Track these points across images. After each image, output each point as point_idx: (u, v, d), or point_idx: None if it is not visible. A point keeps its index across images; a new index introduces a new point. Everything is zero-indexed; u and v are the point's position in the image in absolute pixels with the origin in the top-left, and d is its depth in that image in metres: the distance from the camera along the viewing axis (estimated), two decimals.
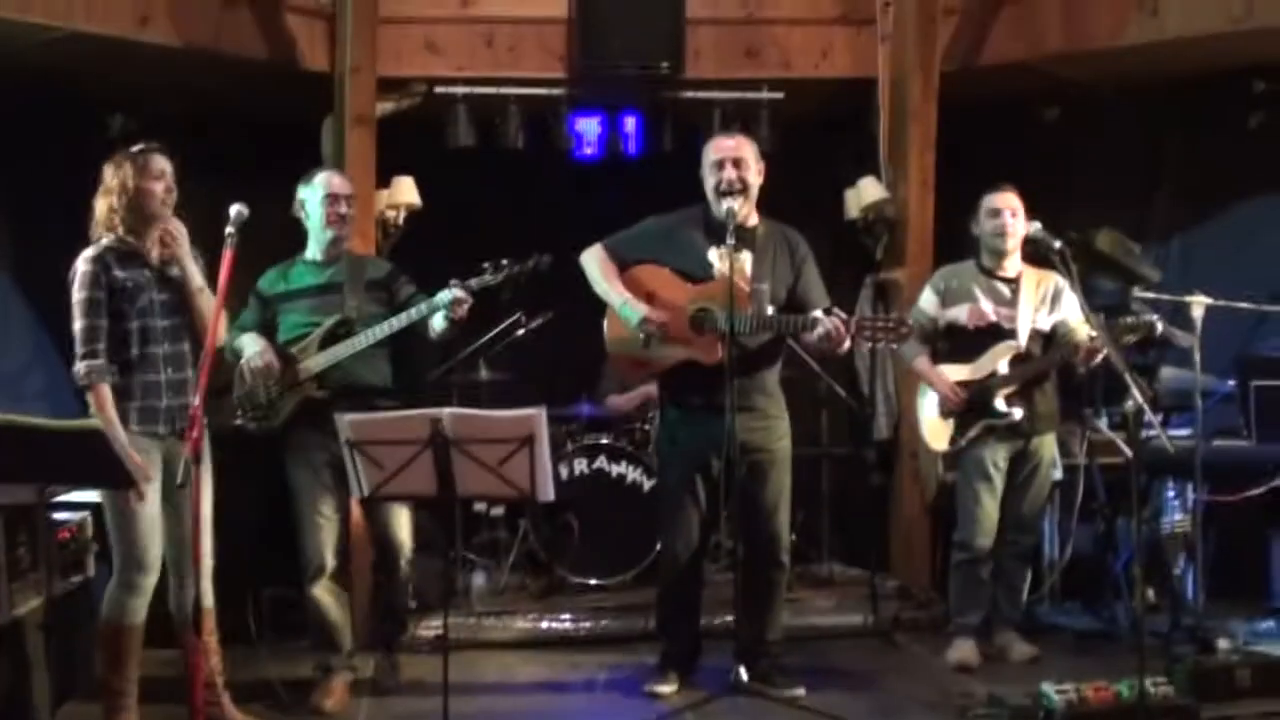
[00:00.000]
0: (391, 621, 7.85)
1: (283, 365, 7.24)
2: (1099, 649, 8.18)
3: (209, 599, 6.65)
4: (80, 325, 6.30)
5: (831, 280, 7.80)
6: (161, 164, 6.45)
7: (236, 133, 9.49)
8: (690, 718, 6.99)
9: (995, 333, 7.79)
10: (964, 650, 7.90)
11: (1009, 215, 7.74)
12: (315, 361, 7.23)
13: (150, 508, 6.24)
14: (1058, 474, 8.21)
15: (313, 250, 7.52)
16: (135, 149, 6.47)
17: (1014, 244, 7.74)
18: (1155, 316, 7.42)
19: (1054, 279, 7.80)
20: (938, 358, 8.03)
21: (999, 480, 7.85)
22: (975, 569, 7.94)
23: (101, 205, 6.44)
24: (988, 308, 7.81)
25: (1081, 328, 7.60)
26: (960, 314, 7.89)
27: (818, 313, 7.05)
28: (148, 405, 6.37)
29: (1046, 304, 7.82)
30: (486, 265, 7.26)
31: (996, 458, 7.82)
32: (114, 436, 6.07)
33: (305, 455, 7.26)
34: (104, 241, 6.40)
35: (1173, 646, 7.45)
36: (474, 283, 7.21)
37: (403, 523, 7.51)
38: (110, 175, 6.43)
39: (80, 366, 6.26)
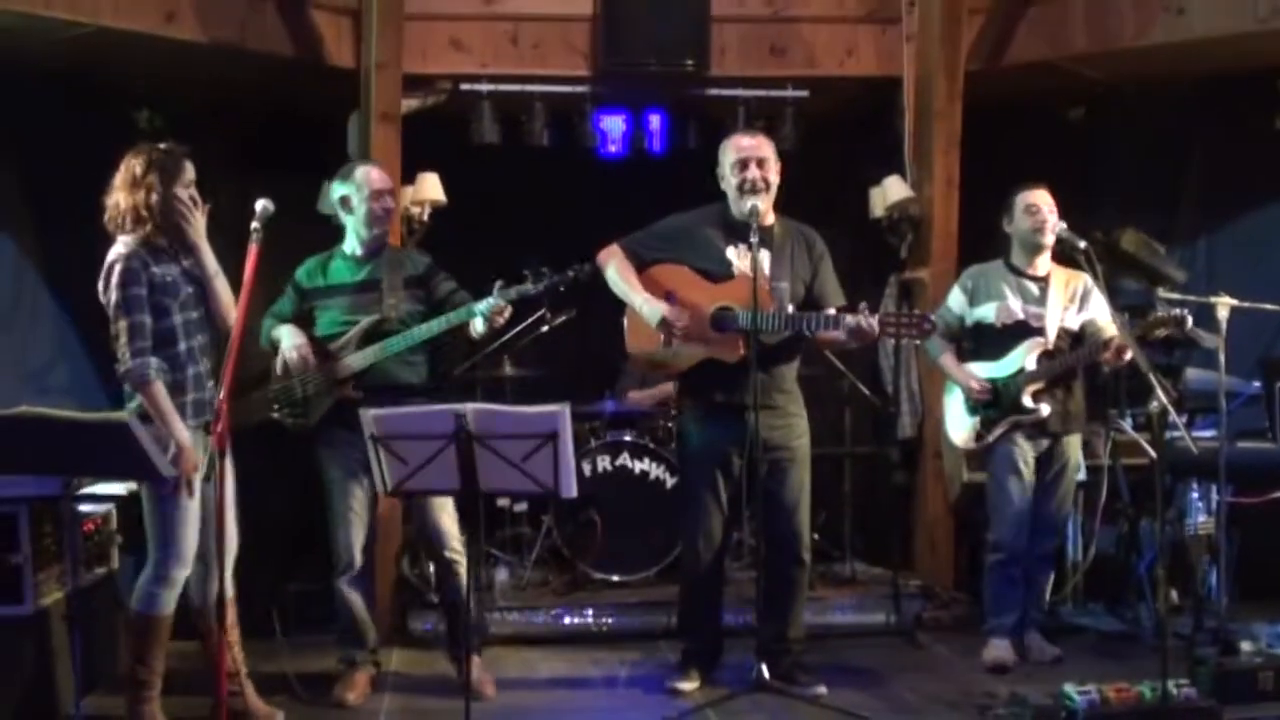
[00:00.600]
0: (459, 625, 7.48)
1: (320, 362, 7.27)
2: (1122, 650, 8.17)
3: (230, 590, 6.70)
4: (125, 324, 6.24)
5: (855, 280, 7.81)
6: (191, 173, 6.46)
7: (262, 128, 9.51)
8: (711, 715, 6.98)
9: (1023, 331, 7.76)
10: (999, 651, 7.86)
11: (1048, 211, 7.70)
12: (353, 361, 7.25)
13: (193, 502, 6.25)
14: (1081, 475, 8.19)
15: (352, 245, 7.50)
16: (165, 148, 6.45)
17: (1051, 239, 7.62)
18: (1186, 311, 7.35)
19: (1083, 278, 7.75)
20: (964, 356, 8.01)
21: (1029, 478, 7.82)
22: (1009, 569, 7.90)
23: (127, 201, 6.37)
24: (1016, 306, 7.78)
25: (1110, 328, 7.55)
26: (989, 312, 7.86)
27: (832, 311, 7.09)
28: (198, 398, 6.39)
29: (1075, 303, 7.79)
30: (527, 273, 7.23)
31: (1026, 455, 7.79)
32: (175, 431, 6.15)
33: (338, 451, 7.27)
34: (130, 238, 6.37)
35: (1196, 648, 7.40)
36: (514, 291, 7.19)
37: (446, 510, 7.44)
38: (141, 171, 6.36)
39: (133, 364, 6.21)
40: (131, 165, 6.41)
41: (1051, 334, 7.72)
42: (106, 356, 8.62)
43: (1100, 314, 7.71)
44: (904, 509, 9.85)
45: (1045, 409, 7.67)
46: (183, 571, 6.34)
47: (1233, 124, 9.71)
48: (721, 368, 7.23)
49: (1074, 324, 7.80)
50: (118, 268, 6.28)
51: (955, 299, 8.04)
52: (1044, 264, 7.84)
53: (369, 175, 7.47)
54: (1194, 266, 9.46)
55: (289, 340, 7.29)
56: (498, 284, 7.15)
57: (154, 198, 6.32)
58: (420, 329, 7.25)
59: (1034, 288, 7.82)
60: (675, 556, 8.71)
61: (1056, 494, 7.91)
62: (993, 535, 7.95)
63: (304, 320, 7.46)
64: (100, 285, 6.37)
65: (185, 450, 6.11)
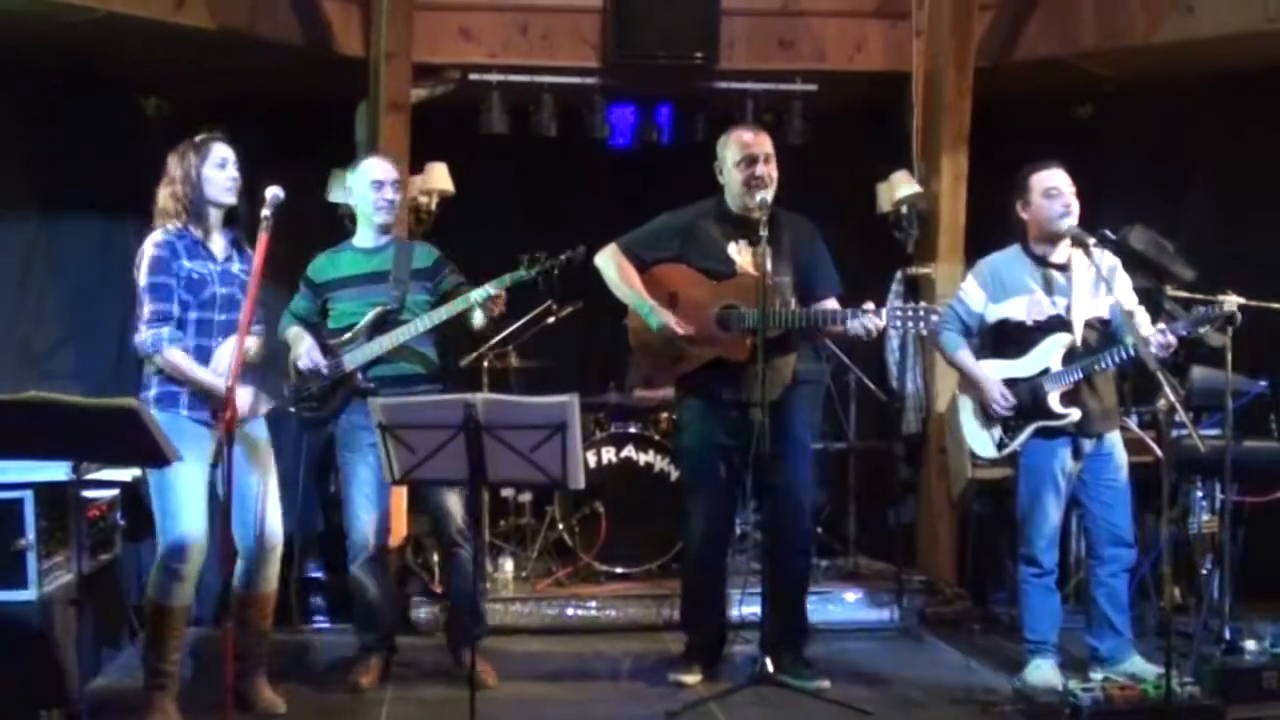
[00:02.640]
0: (471, 617, 7.48)
1: (330, 359, 7.34)
2: None
3: (273, 583, 6.79)
4: (148, 309, 6.34)
5: (862, 274, 7.80)
6: (223, 152, 6.49)
7: (271, 116, 9.50)
8: (714, 708, 6.97)
9: (1054, 325, 7.30)
10: (1045, 672, 7.31)
11: (1069, 196, 7.26)
12: (360, 354, 7.31)
13: (190, 492, 6.25)
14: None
15: (362, 236, 7.58)
16: (199, 138, 6.50)
17: (1072, 224, 7.23)
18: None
19: (1107, 257, 7.41)
20: (979, 353, 7.60)
21: (1065, 487, 7.36)
22: (1045, 583, 7.43)
23: (164, 194, 6.46)
24: (1046, 301, 7.32)
25: (1142, 316, 7.30)
26: (1017, 309, 7.39)
27: (834, 302, 7.16)
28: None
29: (1101, 285, 7.29)
30: (522, 259, 7.28)
31: (1064, 463, 7.34)
32: (206, 382, 6.25)
33: (354, 438, 7.33)
34: (171, 226, 6.43)
35: (1200, 647, 7.41)
36: (508, 278, 7.25)
37: (455, 493, 7.51)
38: (174, 165, 6.46)
39: (148, 335, 6.30)
40: (169, 162, 6.49)
41: (1078, 329, 7.28)
42: (113, 341, 8.66)
43: (1126, 296, 7.36)
44: (908, 504, 9.85)
45: (1076, 413, 7.22)
46: (185, 564, 6.32)
47: (1242, 122, 9.71)
48: (724, 364, 7.26)
49: (1102, 310, 7.33)
50: (148, 255, 6.38)
51: (973, 295, 7.54)
52: (1064, 249, 7.36)
53: (371, 166, 7.54)
54: (1201, 264, 9.43)
55: (297, 346, 7.38)
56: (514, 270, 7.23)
57: (186, 186, 6.40)
58: (421, 320, 7.29)
59: (1059, 277, 7.35)
60: (679, 549, 8.71)
61: (1114, 499, 7.37)
62: (1025, 549, 7.42)
63: (319, 315, 7.55)
64: (134, 269, 6.44)
65: (224, 398, 6.09)
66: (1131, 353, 7.06)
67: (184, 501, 6.28)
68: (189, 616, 6.56)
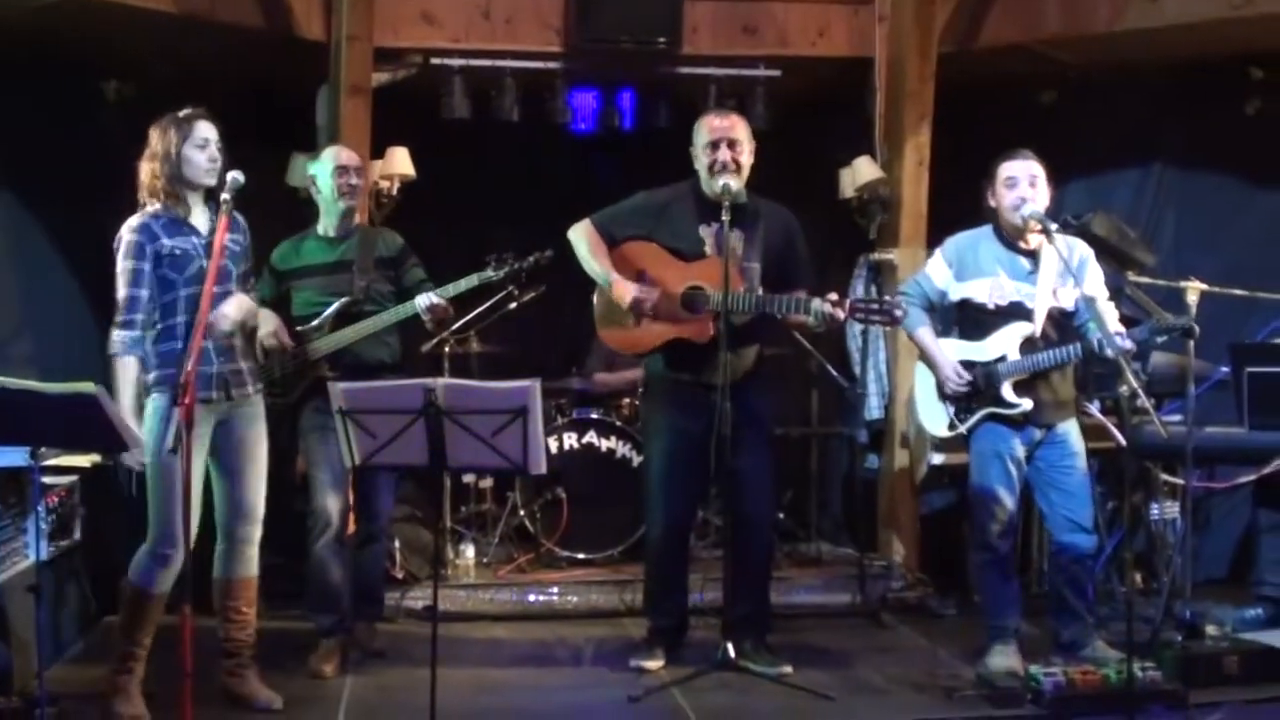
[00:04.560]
0: (369, 600, 7.89)
1: (295, 344, 7.40)
2: None
3: (254, 566, 6.75)
4: (122, 295, 6.29)
5: (826, 260, 7.80)
6: (206, 131, 6.40)
7: (232, 100, 9.42)
8: (676, 693, 6.97)
9: (1015, 312, 7.28)
10: (1006, 656, 7.29)
11: (1027, 185, 7.22)
12: (325, 343, 7.39)
13: (176, 480, 6.20)
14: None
15: (325, 225, 7.63)
16: (181, 114, 6.43)
17: (1027, 216, 7.15)
18: (1192, 322, 7.18)
19: (1079, 247, 7.37)
20: (942, 331, 7.59)
21: (1016, 473, 7.34)
22: (1000, 569, 7.43)
23: (145, 171, 6.39)
24: (1009, 286, 7.29)
25: (1107, 308, 7.22)
26: (978, 290, 7.35)
27: (802, 293, 7.12)
28: (197, 371, 6.34)
29: (1069, 277, 7.19)
30: (490, 259, 7.35)
31: (1013, 449, 7.31)
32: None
33: (318, 420, 7.34)
34: (149, 209, 6.38)
35: (1161, 632, 7.44)
36: (476, 277, 7.37)
37: (387, 492, 7.69)
38: (156, 139, 6.38)
39: (114, 335, 6.26)
40: (150, 139, 6.42)
41: (1039, 319, 7.24)
42: (73, 326, 8.60)
43: (1098, 290, 7.28)
44: (870, 490, 9.85)
45: (1028, 403, 7.22)
46: (175, 550, 6.28)
47: (1204, 110, 9.73)
48: (690, 347, 7.25)
49: (1067, 302, 7.29)
50: (124, 240, 6.32)
51: (938, 271, 7.53)
52: (1036, 237, 7.27)
53: (336, 153, 7.62)
54: (1163, 251, 9.46)
55: (265, 327, 7.31)
56: (427, 291, 7.40)
57: (167, 164, 6.33)
58: (385, 315, 7.41)
59: (1025, 263, 7.31)
60: (641, 535, 8.70)
61: (1069, 486, 7.34)
62: (977, 534, 7.44)
63: (281, 300, 7.56)
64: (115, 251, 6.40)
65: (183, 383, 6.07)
66: (1081, 352, 7.12)
67: (175, 488, 6.23)
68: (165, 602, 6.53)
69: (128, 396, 6.21)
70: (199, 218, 6.48)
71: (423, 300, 7.28)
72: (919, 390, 7.67)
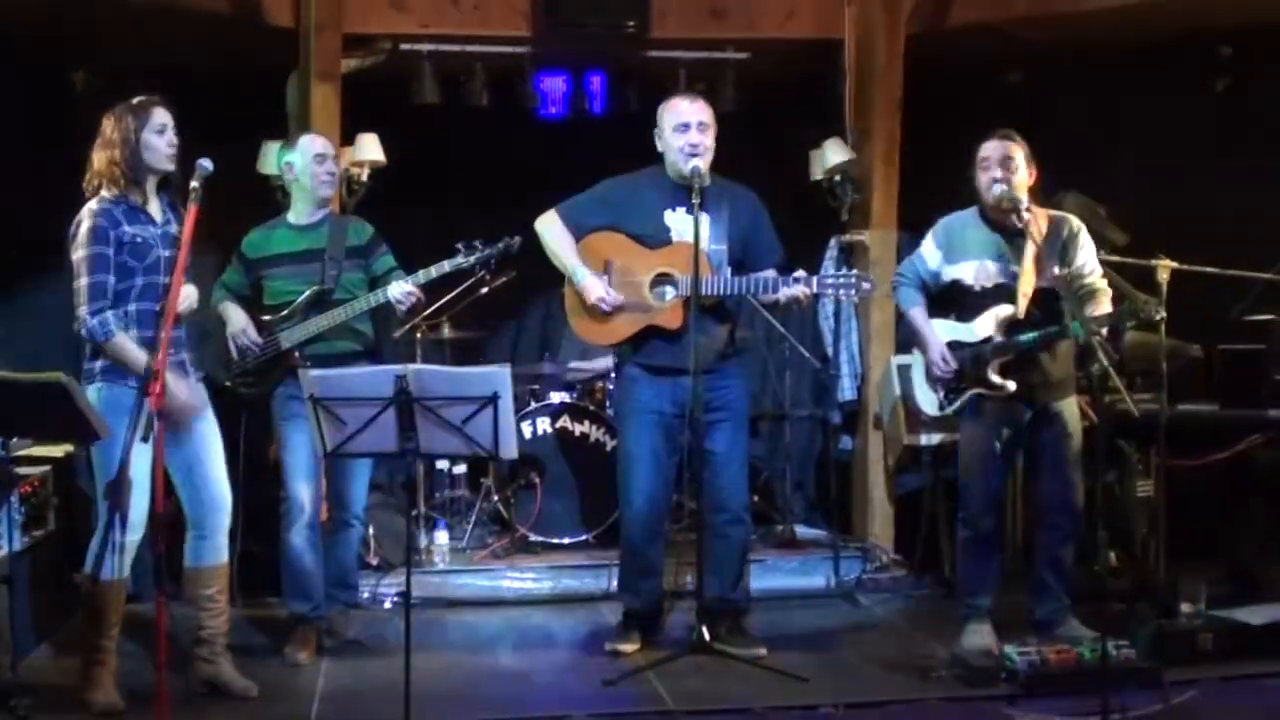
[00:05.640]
0: (343, 587, 7.86)
1: (266, 337, 7.40)
2: None
3: (223, 553, 6.72)
4: (86, 281, 6.20)
5: (796, 242, 7.78)
6: (162, 117, 6.36)
7: (201, 87, 9.40)
8: (651, 677, 6.98)
9: (1000, 293, 7.27)
10: (981, 635, 7.35)
11: (999, 166, 7.22)
12: (296, 333, 7.37)
13: (141, 468, 6.17)
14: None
15: (297, 213, 7.62)
16: (135, 101, 6.37)
17: (997, 196, 7.15)
18: (1160, 310, 7.21)
19: (1067, 224, 7.35)
20: (935, 311, 7.57)
21: (1003, 452, 7.39)
22: (982, 547, 7.45)
23: (101, 158, 6.32)
24: (994, 268, 7.29)
25: (1097, 281, 7.28)
26: (965, 273, 7.37)
27: (771, 272, 7.12)
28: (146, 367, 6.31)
29: (1055, 255, 7.18)
30: (459, 246, 7.36)
31: (1000, 428, 7.32)
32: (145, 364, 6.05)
33: (290, 408, 7.32)
34: (106, 195, 6.31)
35: (1135, 610, 7.46)
36: (447, 264, 7.36)
37: (361, 479, 7.66)
38: (111, 127, 6.32)
39: (93, 321, 6.18)
40: (104, 125, 6.36)
41: (1022, 300, 7.20)
42: (39, 315, 8.56)
43: (1088, 262, 7.31)
44: (844, 471, 9.87)
45: (1012, 385, 7.20)
46: (130, 536, 6.25)
47: (1174, 88, 9.74)
48: (661, 333, 7.26)
49: (1052, 282, 7.15)
50: (85, 225, 6.24)
51: (930, 252, 7.55)
52: (1023, 217, 7.11)
53: (311, 141, 7.59)
54: (1134, 229, 9.46)
55: (233, 325, 7.42)
56: (397, 279, 7.39)
57: (125, 150, 6.27)
58: (357, 302, 7.39)
59: (1010, 243, 7.28)
60: (615, 519, 8.70)
61: (1055, 465, 7.35)
62: (962, 512, 7.47)
63: (252, 290, 7.56)
64: (69, 240, 6.32)
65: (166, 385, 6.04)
66: (1060, 332, 7.12)
67: (132, 477, 6.20)
68: (127, 591, 6.50)
69: (143, 359, 6.12)
70: (153, 206, 6.44)
71: (395, 289, 7.27)
72: (914, 370, 7.71)
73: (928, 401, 7.60)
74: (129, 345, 6.21)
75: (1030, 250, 7.20)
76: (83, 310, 6.19)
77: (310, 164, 7.48)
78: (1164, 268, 7.40)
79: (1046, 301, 7.24)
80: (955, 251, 7.42)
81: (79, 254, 6.24)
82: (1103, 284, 7.32)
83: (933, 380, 7.48)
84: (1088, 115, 10.07)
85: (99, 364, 6.32)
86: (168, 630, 5.60)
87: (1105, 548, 7.41)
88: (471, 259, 7.34)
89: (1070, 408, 7.40)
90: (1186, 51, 9.46)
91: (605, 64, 10.03)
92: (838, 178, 9.65)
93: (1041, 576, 7.41)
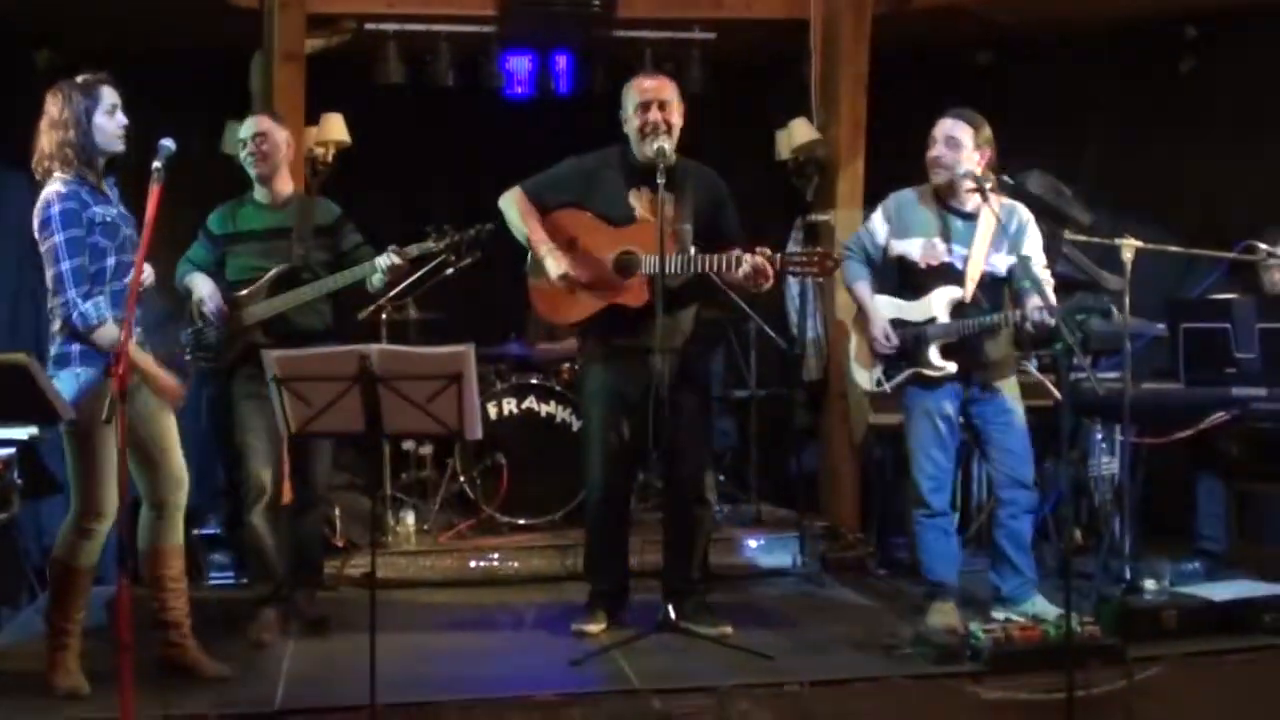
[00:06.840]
0: (308, 567, 7.84)
1: (230, 310, 7.36)
2: None
3: (179, 535, 6.68)
4: (67, 267, 6.08)
5: (762, 222, 7.79)
6: (112, 97, 6.26)
7: (164, 67, 9.37)
8: (618, 656, 6.97)
9: (947, 273, 7.32)
10: (945, 614, 7.36)
11: (942, 145, 7.27)
12: (260, 309, 7.34)
13: (109, 452, 6.15)
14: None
15: (260, 191, 7.59)
16: (81, 79, 6.26)
17: (945, 177, 7.29)
18: (1113, 305, 7.26)
19: (1018, 213, 7.39)
20: (881, 286, 7.62)
21: (948, 431, 7.43)
22: (937, 526, 7.47)
23: (51, 139, 6.20)
24: (942, 247, 7.33)
25: (1041, 274, 7.21)
26: (912, 249, 7.41)
27: (736, 251, 7.08)
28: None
29: (1005, 242, 7.26)
30: (430, 230, 7.39)
31: (941, 406, 7.38)
32: (143, 364, 6.15)
33: (250, 387, 7.28)
34: (65, 177, 6.19)
35: (1100, 587, 7.48)
36: (414, 249, 7.36)
37: (323, 459, 7.66)
38: (58, 108, 6.20)
39: (86, 305, 6.08)
40: (50, 106, 6.25)
41: (970, 285, 7.27)
42: (8, 297, 8.52)
43: (1035, 253, 7.34)
44: (809, 450, 9.88)
45: (952, 367, 7.27)
46: (99, 524, 6.24)
47: (1139, 69, 9.78)
48: (625, 312, 7.24)
49: (1000, 268, 7.32)
50: (56, 209, 6.11)
51: (878, 226, 7.57)
52: (974, 199, 7.26)
53: (247, 123, 7.58)
54: (1099, 209, 9.49)
55: (201, 290, 7.37)
56: (390, 247, 7.35)
57: (76, 132, 6.18)
58: (326, 281, 7.37)
59: (960, 224, 7.35)
60: (581, 499, 8.70)
61: (1006, 442, 7.39)
62: (913, 492, 7.51)
63: (216, 267, 7.54)
64: (35, 226, 6.21)
65: (159, 376, 6.02)
66: (1009, 320, 7.21)
67: (101, 460, 6.19)
68: (94, 575, 6.48)
69: (140, 350, 6.17)
70: (104, 186, 6.37)
71: (384, 260, 7.27)
72: (854, 342, 7.72)
73: (864, 376, 7.64)
74: (114, 329, 6.14)
75: (981, 234, 7.27)
76: (72, 294, 6.08)
77: (245, 142, 7.47)
78: (1128, 247, 7.41)
79: (993, 287, 7.33)
80: (904, 227, 7.46)
81: (53, 240, 6.11)
82: (1047, 275, 7.33)
83: (873, 356, 7.50)
84: (1056, 95, 10.09)
85: (76, 348, 6.23)
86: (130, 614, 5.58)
87: (1070, 525, 7.42)
88: (442, 244, 7.35)
89: (1010, 387, 7.46)
90: (1152, 32, 9.48)
91: (571, 44, 10.00)
92: (804, 158, 9.65)
93: (1003, 552, 7.44)
